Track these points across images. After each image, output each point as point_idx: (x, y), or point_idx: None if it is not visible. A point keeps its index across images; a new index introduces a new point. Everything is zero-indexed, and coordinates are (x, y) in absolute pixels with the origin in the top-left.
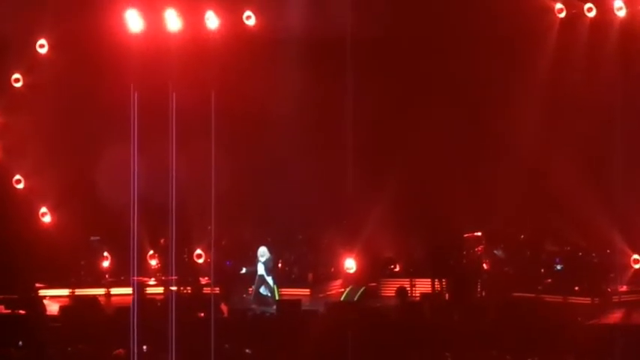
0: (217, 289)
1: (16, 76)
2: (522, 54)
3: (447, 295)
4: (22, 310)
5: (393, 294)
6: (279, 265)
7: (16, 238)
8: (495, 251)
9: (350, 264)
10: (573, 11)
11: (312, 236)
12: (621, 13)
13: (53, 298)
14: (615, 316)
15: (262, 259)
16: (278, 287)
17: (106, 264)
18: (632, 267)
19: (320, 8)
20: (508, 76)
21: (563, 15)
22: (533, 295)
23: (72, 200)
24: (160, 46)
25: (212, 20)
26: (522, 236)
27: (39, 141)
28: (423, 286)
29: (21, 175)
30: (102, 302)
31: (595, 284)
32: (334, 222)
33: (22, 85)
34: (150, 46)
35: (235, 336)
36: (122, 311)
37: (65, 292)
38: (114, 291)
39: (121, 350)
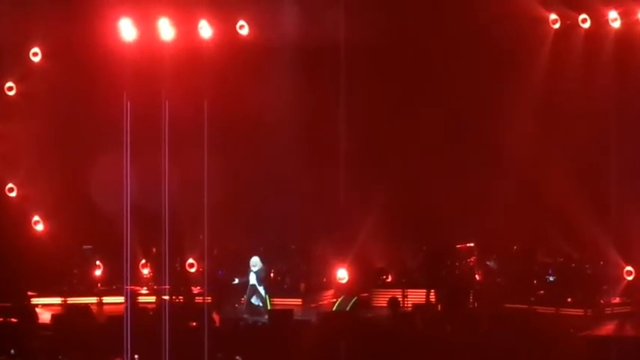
0: (209, 298)
1: (9, 84)
2: (517, 64)
3: (439, 306)
4: (14, 318)
5: (385, 304)
6: (272, 274)
7: (9, 246)
8: (488, 262)
9: (342, 274)
10: (568, 22)
11: (304, 246)
12: (616, 25)
13: (45, 307)
14: (608, 328)
15: (254, 269)
16: (270, 297)
17: (98, 273)
18: (625, 279)
19: (313, 16)
20: (503, 87)
21: (557, 26)
22: (525, 306)
23: (64, 209)
24: (154, 55)
25: (205, 29)
26: (515, 247)
27: (32, 149)
28: (415, 296)
29: (14, 184)
30: (94, 311)
31: (588, 296)
32: (327, 232)
33: (16, 94)
34: (143, 55)
35: (227, 345)
36: (114, 320)
37: (57, 300)
38: (106, 300)
39: None
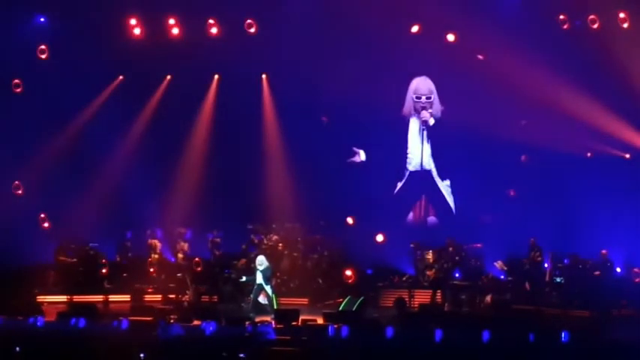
0: (215, 297)
1: (16, 80)
2: (524, 64)
3: (445, 306)
4: (20, 315)
5: (392, 304)
6: (278, 273)
7: (16, 244)
8: (495, 263)
9: (349, 273)
10: (577, 22)
11: (312, 245)
12: (625, 25)
13: (51, 304)
14: (615, 330)
15: (260, 268)
16: (276, 296)
17: (104, 271)
18: (633, 280)
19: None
20: (510, 89)
21: (566, 26)
22: (533, 307)
23: (70, 206)
24: (161, 52)
25: (213, 28)
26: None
27: (39, 146)
28: (421, 296)
29: (20, 181)
30: (100, 309)
31: (595, 297)
32: (334, 231)
33: (22, 90)
34: (151, 52)
35: (233, 344)
36: (120, 318)
37: (63, 298)
38: (112, 298)
39: None
